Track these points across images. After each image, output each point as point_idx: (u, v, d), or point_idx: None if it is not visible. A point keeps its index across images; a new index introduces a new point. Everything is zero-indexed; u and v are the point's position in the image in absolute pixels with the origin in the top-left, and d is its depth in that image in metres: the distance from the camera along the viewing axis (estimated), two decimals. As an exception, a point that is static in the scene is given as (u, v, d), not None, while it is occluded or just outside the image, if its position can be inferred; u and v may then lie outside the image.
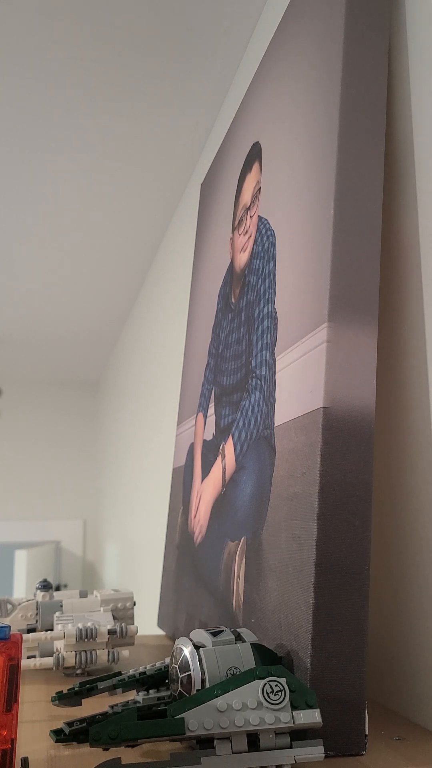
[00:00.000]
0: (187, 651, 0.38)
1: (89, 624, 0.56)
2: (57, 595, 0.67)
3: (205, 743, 0.34)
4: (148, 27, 0.94)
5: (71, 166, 1.32)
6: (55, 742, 0.40)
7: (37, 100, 1.11)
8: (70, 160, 1.30)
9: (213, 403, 0.74)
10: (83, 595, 0.68)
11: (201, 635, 0.39)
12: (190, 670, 0.37)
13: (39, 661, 0.55)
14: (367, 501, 0.42)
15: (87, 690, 0.42)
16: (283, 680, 0.35)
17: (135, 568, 1.93)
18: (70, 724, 0.40)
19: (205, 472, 0.72)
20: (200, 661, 0.37)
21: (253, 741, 0.34)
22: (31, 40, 0.96)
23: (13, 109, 1.13)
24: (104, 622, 0.58)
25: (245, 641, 0.39)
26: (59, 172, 1.35)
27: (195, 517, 0.74)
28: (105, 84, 1.07)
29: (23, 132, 1.20)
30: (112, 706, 0.40)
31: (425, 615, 0.47)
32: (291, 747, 0.34)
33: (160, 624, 0.82)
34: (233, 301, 0.72)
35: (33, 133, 1.21)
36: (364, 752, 0.38)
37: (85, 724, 0.40)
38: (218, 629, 0.40)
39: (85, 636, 0.56)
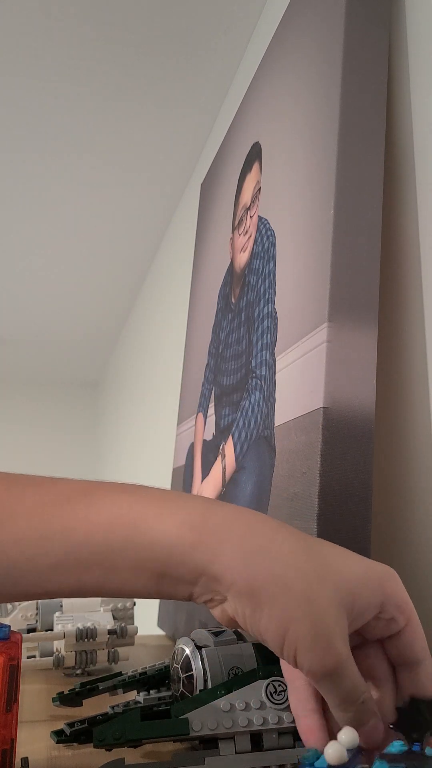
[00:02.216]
0: (188, 651, 0.38)
1: (89, 624, 0.56)
2: (57, 596, 0.67)
3: (209, 743, 0.34)
4: (148, 27, 0.94)
5: (71, 166, 1.32)
6: (57, 743, 0.40)
7: (36, 99, 1.11)
8: (69, 160, 1.30)
9: (213, 403, 0.74)
10: (83, 595, 0.68)
11: (202, 635, 0.39)
12: (192, 670, 0.37)
13: (39, 661, 0.55)
14: (367, 501, 0.42)
15: (88, 690, 0.42)
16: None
17: (135, 568, 1.92)
18: (71, 724, 0.40)
19: (205, 472, 0.72)
20: (202, 661, 0.37)
21: (257, 741, 0.34)
22: (31, 40, 0.96)
23: (13, 109, 1.13)
24: (104, 622, 0.58)
25: (247, 641, 0.39)
26: (59, 173, 1.35)
27: (195, 517, 0.74)
28: (105, 84, 1.07)
29: (23, 132, 1.20)
30: (112, 707, 0.40)
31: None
32: (294, 747, 0.34)
33: (160, 624, 0.82)
34: (233, 301, 0.72)
35: (33, 133, 1.21)
36: (365, 752, 0.38)
37: (86, 725, 0.39)
38: (219, 629, 0.40)
39: (85, 636, 0.56)
